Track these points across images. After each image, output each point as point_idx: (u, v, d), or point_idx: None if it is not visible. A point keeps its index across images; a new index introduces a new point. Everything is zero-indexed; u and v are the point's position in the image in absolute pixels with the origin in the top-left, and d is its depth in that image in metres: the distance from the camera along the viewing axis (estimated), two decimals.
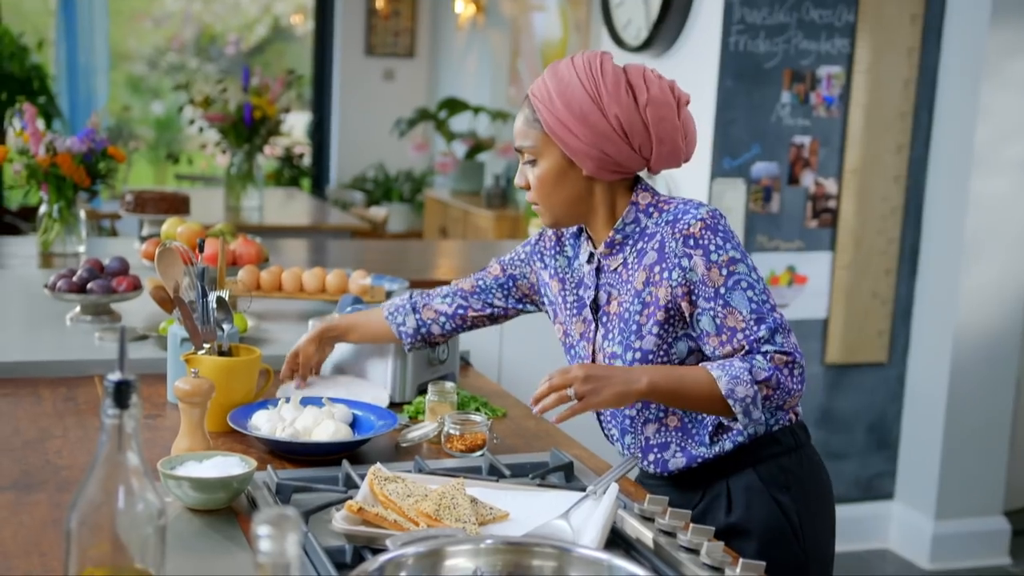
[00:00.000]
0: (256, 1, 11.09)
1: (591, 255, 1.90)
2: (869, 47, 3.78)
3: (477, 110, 7.44)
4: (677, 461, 1.86)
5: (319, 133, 8.91)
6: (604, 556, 1.24)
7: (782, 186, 3.79)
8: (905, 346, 4.03)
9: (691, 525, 1.50)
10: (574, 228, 1.96)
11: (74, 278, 2.64)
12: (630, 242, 1.84)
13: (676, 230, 1.77)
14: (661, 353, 1.81)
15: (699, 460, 1.84)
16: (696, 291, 1.76)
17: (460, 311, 2.09)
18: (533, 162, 1.84)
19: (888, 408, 4.04)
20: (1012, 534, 4.06)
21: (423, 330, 2.11)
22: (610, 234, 1.85)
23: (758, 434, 1.83)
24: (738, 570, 1.40)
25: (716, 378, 1.72)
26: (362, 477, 1.63)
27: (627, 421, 1.88)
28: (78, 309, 2.68)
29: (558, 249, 1.98)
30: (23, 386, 2.21)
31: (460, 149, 7.64)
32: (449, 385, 2.06)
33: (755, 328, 1.74)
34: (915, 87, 3.87)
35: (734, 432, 1.82)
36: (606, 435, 1.97)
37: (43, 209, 3.64)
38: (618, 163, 1.80)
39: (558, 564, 1.24)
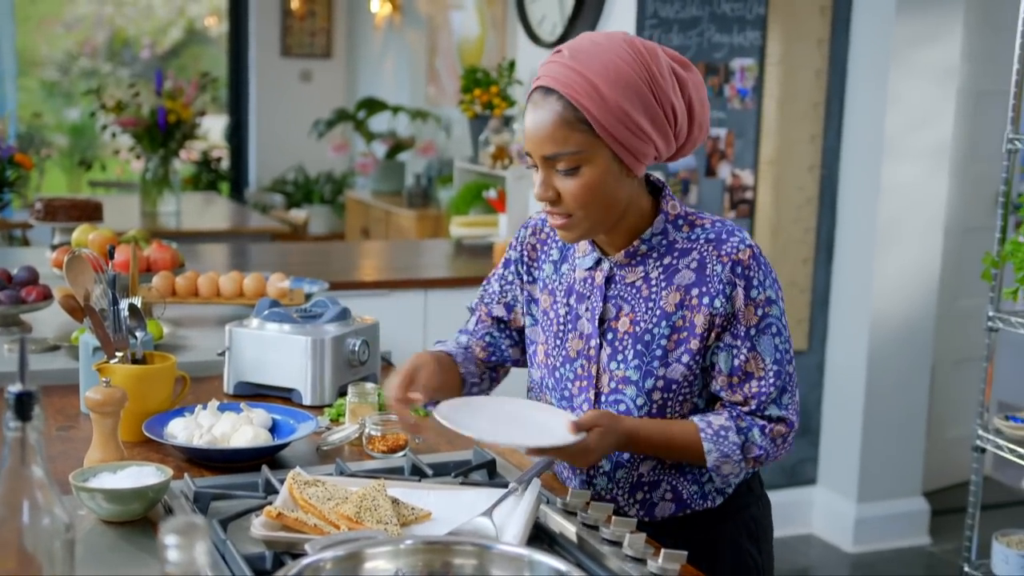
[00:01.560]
0: (169, 3, 10.91)
1: (598, 261, 1.71)
2: (780, 39, 3.83)
3: (396, 110, 7.40)
4: (666, 507, 1.72)
5: (237, 136, 8.80)
6: (525, 552, 1.24)
7: (699, 178, 3.82)
8: (824, 334, 4.09)
9: (613, 518, 1.50)
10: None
11: None
12: (654, 255, 1.67)
13: (723, 252, 1.62)
14: (685, 385, 1.66)
15: (689, 509, 1.72)
16: (725, 324, 1.63)
17: (492, 379, 1.87)
18: (574, 170, 1.58)
19: (809, 395, 4.11)
20: (931, 514, 4.15)
21: (481, 383, 1.86)
22: (634, 243, 1.66)
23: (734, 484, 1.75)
24: (660, 561, 1.40)
25: (706, 451, 1.63)
26: (282, 482, 1.60)
27: (624, 455, 1.71)
28: None
29: (543, 256, 1.78)
30: None
31: (380, 149, 7.60)
32: (370, 386, 2.05)
33: (771, 382, 1.64)
34: (826, 78, 3.93)
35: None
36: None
37: None
38: (656, 156, 1.62)
39: (479, 562, 1.23)
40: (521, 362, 1.87)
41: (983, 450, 2.81)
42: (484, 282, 1.87)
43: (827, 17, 3.89)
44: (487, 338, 1.84)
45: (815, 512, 4.17)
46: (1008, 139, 2.74)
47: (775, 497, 4.05)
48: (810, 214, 3.99)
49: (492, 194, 4.41)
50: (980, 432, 2.80)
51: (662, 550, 1.42)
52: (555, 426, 1.60)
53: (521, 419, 1.63)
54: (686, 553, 1.42)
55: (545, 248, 1.78)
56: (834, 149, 4.00)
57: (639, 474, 1.72)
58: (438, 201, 6.76)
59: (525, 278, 1.79)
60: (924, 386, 4.10)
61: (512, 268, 1.81)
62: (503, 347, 1.85)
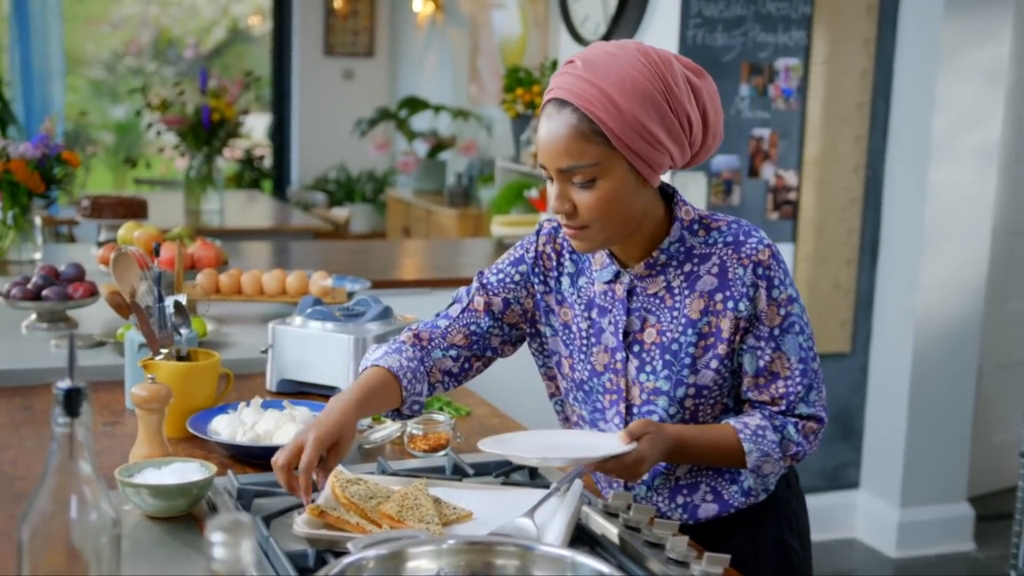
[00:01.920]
0: (213, 3, 11.00)
1: (617, 274, 1.68)
2: (826, 39, 3.79)
3: (438, 109, 7.42)
4: (708, 508, 1.71)
5: (279, 135, 8.85)
6: (567, 553, 1.23)
7: (742, 179, 3.80)
8: (867, 336, 4.05)
9: (656, 520, 1.49)
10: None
11: (29, 285, 2.61)
12: (674, 263, 1.65)
13: (743, 255, 1.62)
14: (716, 389, 1.66)
15: (732, 508, 1.71)
16: (748, 326, 1.63)
17: (464, 368, 1.78)
18: (590, 182, 1.56)
19: (852, 398, 4.07)
20: (976, 520, 4.10)
21: (428, 396, 1.77)
22: (653, 254, 1.64)
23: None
24: (704, 564, 1.39)
25: (747, 452, 1.63)
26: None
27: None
28: (34, 316, 2.64)
29: (559, 267, 1.74)
30: None
31: (421, 148, 7.62)
32: None
33: (798, 380, 1.65)
34: (872, 78, 3.89)
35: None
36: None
37: None
38: (671, 165, 1.61)
39: (521, 563, 1.23)
40: (501, 356, 1.80)
41: None
42: (479, 273, 1.80)
43: (874, 17, 3.85)
44: (472, 327, 1.76)
45: (858, 516, 4.13)
46: None
47: (817, 500, 4.03)
48: (854, 215, 3.95)
49: (533, 193, 4.40)
50: None
51: (705, 553, 1.41)
52: (604, 440, 1.59)
53: (566, 442, 1.62)
54: (729, 556, 1.41)
55: (561, 258, 1.75)
56: (879, 150, 3.96)
57: (676, 478, 1.72)
58: (479, 200, 6.77)
59: (540, 288, 1.75)
60: (970, 389, 4.04)
61: (522, 270, 1.76)
62: (489, 338, 1.78)
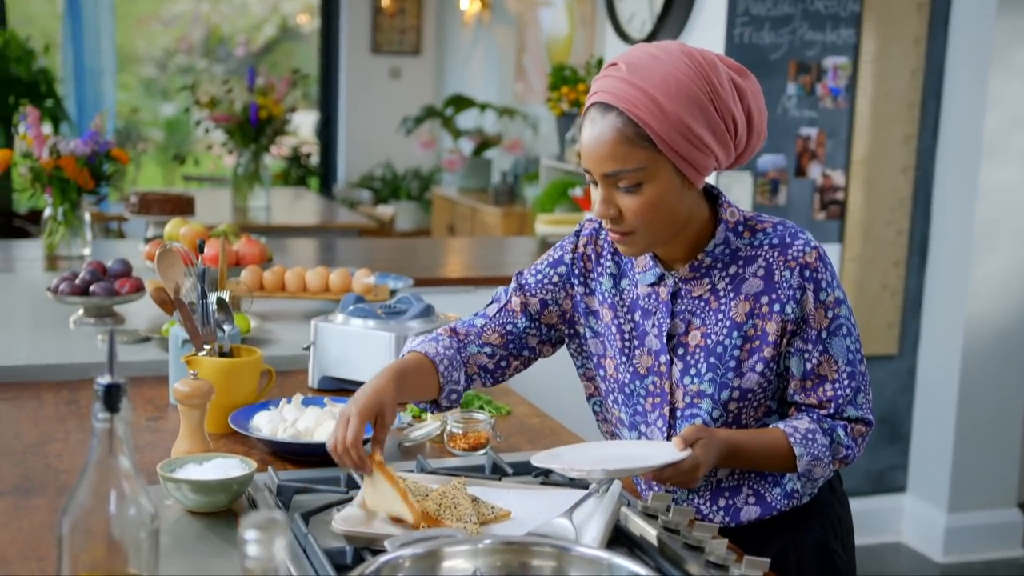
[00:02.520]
0: (263, 1, 11.08)
1: (661, 276, 1.67)
2: (875, 37, 3.75)
3: (484, 107, 7.43)
4: (750, 511, 1.69)
5: (326, 132, 8.90)
6: (604, 555, 1.23)
7: (789, 178, 3.76)
8: (916, 338, 4.00)
9: (695, 522, 1.48)
10: (612, 241, 1.70)
11: (76, 281, 2.64)
12: (719, 265, 1.64)
13: (790, 257, 1.61)
14: (760, 392, 1.65)
15: (775, 511, 1.69)
16: (796, 329, 1.62)
17: (501, 366, 1.77)
18: (636, 187, 1.54)
19: (899, 401, 4.02)
20: None
21: (464, 388, 1.75)
22: (698, 256, 1.63)
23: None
24: (743, 568, 1.38)
25: (798, 456, 1.61)
26: (363, 478, 1.61)
27: None
28: (81, 312, 2.67)
29: (600, 269, 1.73)
30: (25, 390, 2.21)
31: (467, 146, 7.63)
32: None
33: (846, 383, 1.63)
34: (922, 77, 3.84)
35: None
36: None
37: (47, 212, 3.64)
38: (716, 167, 1.59)
39: (558, 563, 1.23)
40: (541, 357, 1.80)
41: None
42: (517, 274, 1.79)
43: (924, 15, 3.80)
44: (508, 326, 1.76)
45: (904, 520, 4.08)
46: None
47: (863, 504, 3.99)
48: (903, 216, 3.90)
49: (578, 192, 4.39)
50: None
51: (744, 557, 1.39)
52: (659, 449, 1.58)
53: (618, 453, 1.60)
54: (768, 560, 1.40)
55: (601, 260, 1.73)
56: (929, 150, 3.90)
57: (718, 480, 1.70)
58: (524, 198, 6.77)
59: (579, 289, 1.74)
60: (1020, 393, 3.98)
61: (561, 271, 1.75)
62: (526, 338, 1.77)
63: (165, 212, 3.64)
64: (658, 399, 1.69)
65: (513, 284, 1.79)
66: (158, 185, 10.12)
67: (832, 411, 1.65)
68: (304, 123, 9.12)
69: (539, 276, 1.76)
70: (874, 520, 4.01)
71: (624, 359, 1.71)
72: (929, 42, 3.82)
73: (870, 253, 3.87)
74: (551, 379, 2.71)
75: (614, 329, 1.71)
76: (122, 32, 10.27)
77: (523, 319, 1.76)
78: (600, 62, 4.50)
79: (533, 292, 1.76)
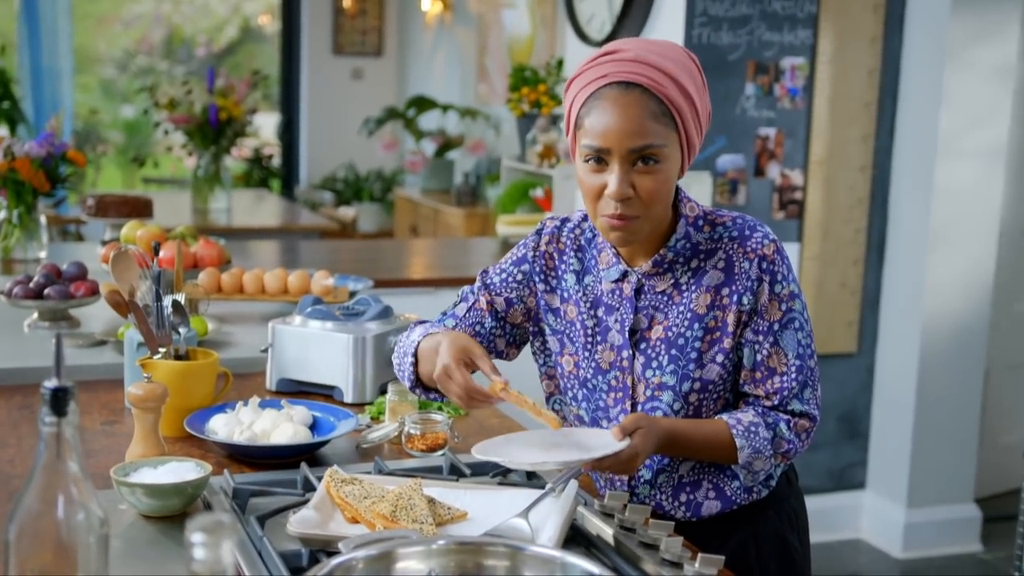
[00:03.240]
0: (225, 2, 11.01)
1: (625, 273, 1.69)
2: (832, 37, 3.78)
3: (446, 108, 7.42)
4: (711, 505, 1.71)
5: (288, 134, 8.86)
6: (558, 554, 1.23)
7: (748, 178, 3.79)
8: (874, 336, 4.03)
9: (651, 520, 1.48)
10: (575, 238, 1.74)
11: (31, 284, 2.61)
12: (681, 260, 1.66)
13: (748, 249, 1.64)
14: (720, 384, 1.67)
15: (735, 504, 1.71)
16: (748, 320, 1.64)
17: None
18: (655, 164, 1.57)
19: (858, 398, 4.05)
20: (983, 521, 4.08)
21: None
22: (660, 252, 1.65)
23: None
24: (697, 565, 1.38)
25: (739, 448, 1.63)
26: (320, 479, 1.61)
27: (666, 458, 1.71)
28: (36, 315, 2.64)
29: (563, 266, 1.74)
30: None
31: (429, 147, 7.62)
32: None
33: (794, 376, 1.65)
34: (879, 76, 3.87)
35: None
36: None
37: (2, 215, 3.60)
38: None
39: (512, 563, 1.23)
40: (507, 359, 1.82)
41: None
42: (482, 272, 1.81)
43: (880, 15, 3.83)
44: (477, 327, 1.78)
45: (864, 517, 4.12)
46: None
47: (823, 501, 4.02)
48: (861, 215, 3.94)
49: (539, 193, 4.40)
50: None
51: (699, 554, 1.40)
52: (598, 439, 1.59)
53: (560, 442, 1.60)
54: (723, 558, 1.41)
55: (564, 257, 1.74)
56: (886, 149, 3.94)
57: (680, 476, 1.72)
58: (487, 199, 6.77)
59: (541, 287, 1.76)
60: (977, 390, 4.02)
61: (524, 269, 1.76)
62: (494, 339, 1.79)
63: (123, 214, 3.61)
64: (620, 394, 1.70)
65: (478, 283, 1.80)
66: (118, 188, 10.03)
67: (777, 403, 1.67)
68: (265, 125, 9.07)
69: (503, 275, 1.78)
70: (834, 517, 4.04)
71: (586, 354, 1.72)
72: (885, 42, 3.86)
73: (829, 252, 3.91)
74: (509, 380, 2.70)
75: (578, 325, 1.72)
76: (81, 33, 10.18)
77: (490, 319, 1.78)
78: (560, 63, 4.51)
79: (498, 291, 1.77)
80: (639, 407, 1.69)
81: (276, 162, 8.98)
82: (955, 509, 4.03)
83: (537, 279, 1.75)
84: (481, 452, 1.55)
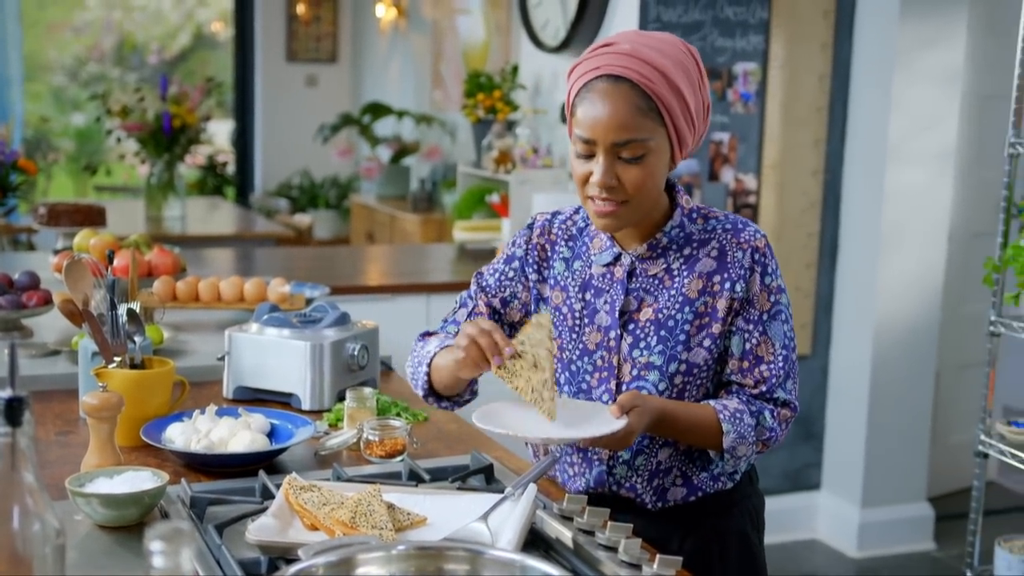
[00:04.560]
0: (178, 8, 10.93)
1: (618, 256, 1.74)
2: (783, 43, 3.82)
3: (401, 114, 7.41)
4: (676, 492, 1.75)
5: (242, 141, 8.80)
6: (517, 557, 1.24)
7: (702, 183, 3.82)
8: (828, 338, 4.08)
9: (609, 523, 1.50)
10: (566, 229, 1.79)
11: None
12: (674, 246, 1.72)
13: (743, 240, 1.70)
14: (705, 369, 1.71)
15: (699, 492, 1.75)
16: (739, 309, 1.70)
17: None
18: (639, 158, 1.62)
19: (813, 400, 4.09)
20: (936, 519, 4.14)
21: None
22: (656, 236, 1.71)
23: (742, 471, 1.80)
24: (655, 567, 1.40)
25: (724, 432, 1.67)
26: (279, 487, 1.60)
27: (645, 440, 1.73)
28: None
29: (554, 256, 1.79)
30: None
31: (385, 154, 7.60)
32: (367, 391, 2.04)
33: (780, 366, 1.71)
34: (830, 82, 3.92)
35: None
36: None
37: None
38: (685, 150, 1.70)
39: (471, 567, 1.23)
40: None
41: (986, 455, 2.80)
42: (476, 275, 1.86)
43: (830, 21, 3.88)
44: None
45: (819, 517, 4.16)
46: (1010, 143, 2.73)
47: (779, 502, 4.05)
48: (813, 218, 3.98)
49: (495, 198, 4.41)
50: (983, 437, 2.79)
51: (657, 555, 1.41)
52: (595, 414, 1.63)
53: (559, 415, 1.63)
54: (680, 559, 1.42)
55: (555, 247, 1.79)
56: (837, 153, 3.99)
57: (657, 461, 1.75)
58: (443, 205, 6.76)
59: (533, 278, 1.80)
60: (929, 391, 4.08)
61: (515, 265, 1.81)
62: None
63: (75, 223, 3.57)
64: (605, 373, 1.73)
65: (474, 286, 1.85)
66: (70, 196, 9.91)
67: (764, 390, 1.72)
68: (219, 132, 9.00)
69: (497, 274, 1.83)
70: (790, 517, 4.08)
71: (573, 336, 1.75)
72: (835, 48, 3.91)
73: (782, 255, 3.94)
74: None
75: (564, 309, 1.76)
76: (31, 40, 10.06)
77: (490, 320, 1.80)
78: (515, 69, 4.52)
79: (494, 292, 1.82)
80: (623, 387, 1.73)
81: (231, 169, 8.92)
82: (908, 508, 4.09)
83: (530, 271, 1.80)
84: (483, 422, 1.59)
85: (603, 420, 1.59)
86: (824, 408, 4.12)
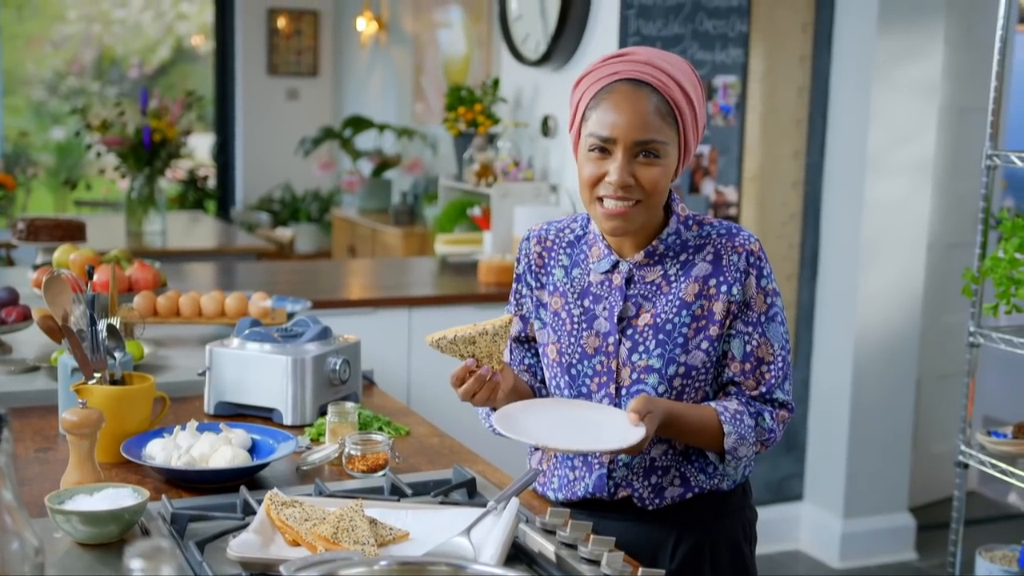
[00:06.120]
0: (158, 22, 10.91)
1: (616, 264, 1.77)
2: (763, 56, 3.85)
3: (382, 128, 7.41)
4: (674, 491, 1.77)
5: (223, 155, 8.78)
6: (500, 571, 1.24)
7: (683, 195, 3.83)
8: (809, 350, 4.10)
9: (592, 536, 1.50)
10: (563, 237, 1.83)
11: None
12: (671, 253, 1.76)
13: (737, 244, 1.74)
14: (703, 371, 1.74)
15: (696, 489, 1.77)
16: (738, 312, 1.73)
17: (536, 386, 1.90)
18: (657, 158, 1.68)
19: (795, 411, 4.10)
20: (917, 529, 4.15)
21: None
22: (653, 243, 1.75)
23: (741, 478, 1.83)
24: None
25: (726, 433, 1.71)
26: (260, 503, 1.60)
27: None
28: None
29: (552, 263, 1.83)
30: None
31: (366, 167, 7.59)
32: (349, 405, 2.04)
33: (780, 367, 1.75)
34: (809, 94, 3.95)
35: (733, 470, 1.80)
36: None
37: None
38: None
39: None
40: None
41: (966, 465, 2.81)
42: (509, 305, 1.91)
43: (809, 34, 3.91)
44: (527, 361, 1.89)
45: (802, 528, 4.17)
46: (987, 155, 2.75)
47: (762, 513, 4.04)
48: (794, 230, 4.00)
49: (476, 211, 4.41)
50: (963, 447, 2.80)
51: (640, 568, 1.41)
52: (612, 421, 1.65)
53: (576, 420, 1.67)
54: (663, 571, 1.42)
55: (553, 254, 1.83)
56: (817, 165, 4.01)
57: (652, 459, 1.78)
58: (424, 219, 6.75)
59: (534, 285, 1.84)
60: (909, 402, 4.10)
61: (523, 281, 1.87)
62: (536, 368, 1.89)
63: (55, 238, 3.55)
64: (604, 378, 1.76)
65: (512, 313, 1.90)
66: (49, 211, 9.87)
67: (765, 391, 1.75)
68: (200, 146, 8.99)
69: (515, 298, 1.88)
70: (773, 529, 4.09)
71: (572, 341, 1.78)
72: (814, 61, 3.94)
73: None
74: (451, 398, 2.70)
75: (563, 315, 1.80)
76: (10, 54, 10.02)
77: (519, 349, 1.90)
78: (496, 82, 4.53)
79: (516, 312, 1.88)
80: (623, 391, 1.75)
81: (211, 183, 8.89)
82: (890, 519, 4.10)
83: (532, 280, 1.85)
84: (506, 429, 1.61)
85: (619, 426, 1.62)
86: (806, 419, 4.13)
